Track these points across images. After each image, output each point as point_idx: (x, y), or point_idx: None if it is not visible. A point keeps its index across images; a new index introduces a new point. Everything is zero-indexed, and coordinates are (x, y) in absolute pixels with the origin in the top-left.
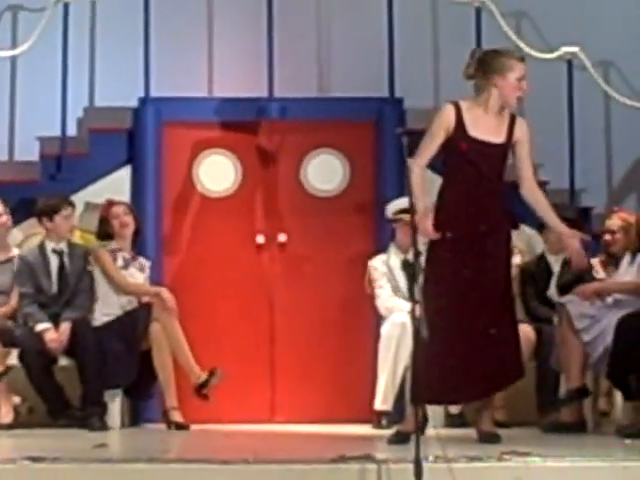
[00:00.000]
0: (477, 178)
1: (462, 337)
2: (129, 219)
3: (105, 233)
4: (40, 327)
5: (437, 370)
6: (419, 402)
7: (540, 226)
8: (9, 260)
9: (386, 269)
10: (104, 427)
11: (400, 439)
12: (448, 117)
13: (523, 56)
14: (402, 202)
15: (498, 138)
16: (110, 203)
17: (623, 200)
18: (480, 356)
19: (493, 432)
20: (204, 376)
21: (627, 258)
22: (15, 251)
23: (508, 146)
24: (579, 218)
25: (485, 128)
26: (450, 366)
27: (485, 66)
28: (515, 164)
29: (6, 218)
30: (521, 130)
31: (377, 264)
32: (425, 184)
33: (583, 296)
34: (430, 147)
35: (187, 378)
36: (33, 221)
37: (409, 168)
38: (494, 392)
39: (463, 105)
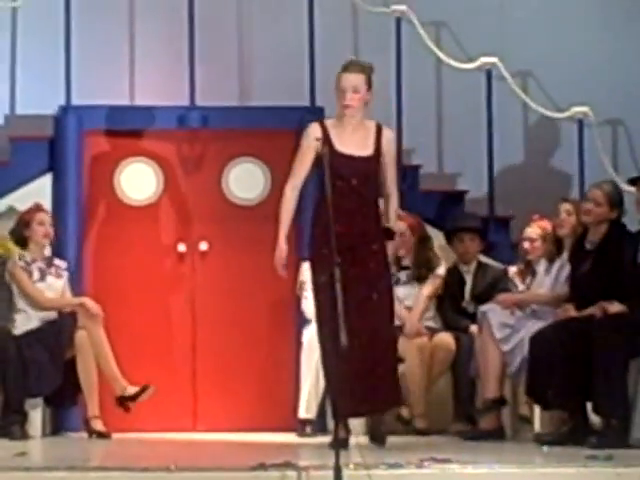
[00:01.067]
0: (349, 192)
1: (353, 353)
2: (52, 230)
3: (21, 236)
4: None
5: (342, 386)
6: (339, 417)
7: (448, 236)
8: None
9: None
10: (25, 436)
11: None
12: (315, 135)
13: (347, 66)
14: None
15: (365, 151)
16: (37, 208)
17: (538, 207)
18: (377, 366)
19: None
20: (133, 389)
21: (543, 265)
22: None
23: (377, 158)
24: (481, 228)
25: (350, 142)
26: (348, 380)
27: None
28: (381, 173)
29: None
30: (387, 141)
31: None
32: (293, 209)
33: (504, 305)
34: (302, 167)
35: (110, 387)
36: None
37: (283, 193)
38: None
39: (328, 122)
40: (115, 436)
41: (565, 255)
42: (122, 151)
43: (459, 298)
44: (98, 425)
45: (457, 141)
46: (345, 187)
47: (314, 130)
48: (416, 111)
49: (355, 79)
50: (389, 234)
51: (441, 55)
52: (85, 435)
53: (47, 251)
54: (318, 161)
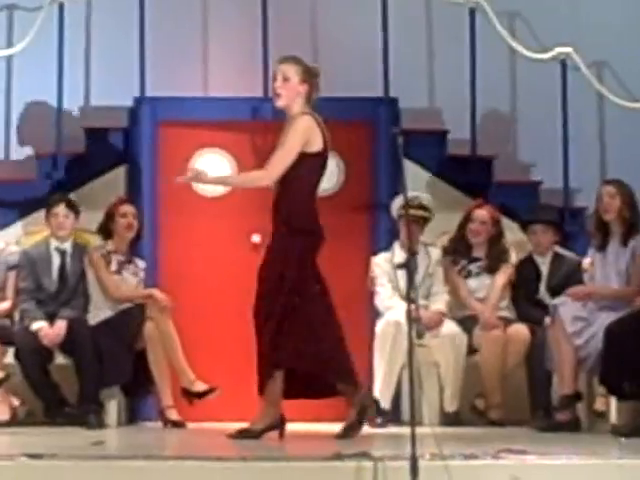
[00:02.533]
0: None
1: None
2: (135, 223)
3: (106, 229)
4: (35, 326)
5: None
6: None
7: (523, 227)
8: None
9: (388, 267)
10: (101, 425)
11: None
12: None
13: (280, 59)
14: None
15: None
16: (121, 200)
17: None
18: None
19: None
20: (201, 387)
21: (614, 245)
22: (1, 244)
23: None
24: (556, 220)
25: None
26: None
27: None
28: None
29: None
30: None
31: (380, 262)
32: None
33: (574, 298)
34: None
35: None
36: (28, 220)
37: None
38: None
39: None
40: (190, 425)
41: (615, 241)
42: (196, 142)
43: (534, 289)
44: (173, 414)
45: (531, 131)
46: (318, 181)
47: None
48: (490, 102)
49: (283, 69)
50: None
51: (515, 45)
52: (160, 425)
53: (126, 246)
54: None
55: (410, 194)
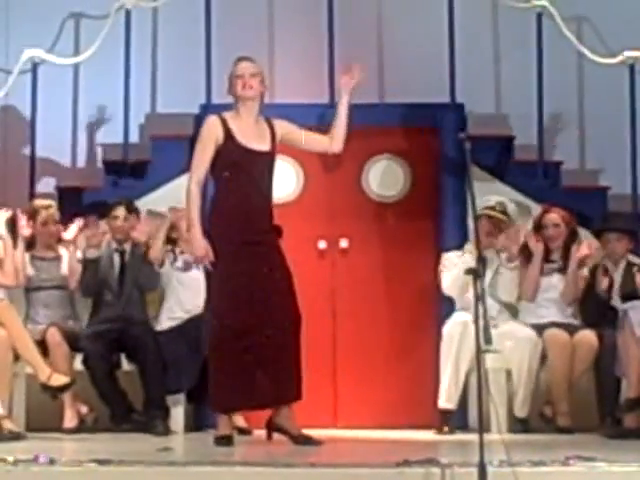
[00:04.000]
0: (248, 187)
1: (247, 346)
2: None
3: (170, 238)
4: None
5: (231, 378)
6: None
7: (597, 234)
8: (59, 257)
9: (459, 262)
10: (167, 431)
11: (225, 443)
12: (215, 127)
13: (239, 59)
14: (487, 200)
15: (264, 145)
16: (177, 210)
17: None
18: (265, 365)
19: (306, 435)
20: None
21: None
22: (63, 252)
23: (274, 153)
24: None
25: (251, 136)
26: (237, 374)
27: (228, 83)
28: (302, 145)
29: (58, 226)
30: (280, 127)
31: (450, 256)
32: (199, 205)
33: None
34: (203, 161)
35: None
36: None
37: (187, 189)
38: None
39: (227, 115)
40: (256, 432)
41: None
42: None
43: (605, 297)
44: (239, 421)
45: (599, 137)
46: (246, 181)
47: (213, 124)
48: (558, 107)
49: (252, 66)
50: (279, 231)
51: (583, 50)
52: None
53: None
54: (218, 154)
55: (497, 199)
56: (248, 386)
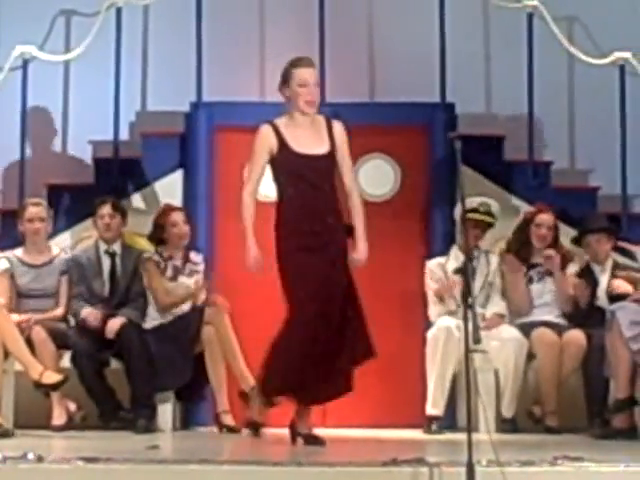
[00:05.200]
0: (310, 192)
1: (311, 340)
2: (187, 229)
3: (159, 238)
4: (84, 312)
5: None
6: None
7: (579, 240)
8: (52, 261)
9: (441, 273)
10: (149, 430)
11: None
12: (268, 138)
13: (301, 61)
14: (470, 202)
15: (322, 148)
16: (168, 209)
17: None
18: (331, 360)
19: (316, 435)
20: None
21: None
22: (55, 250)
23: (333, 154)
24: (607, 226)
25: (307, 141)
26: (305, 368)
27: (281, 79)
28: (337, 169)
29: (45, 224)
30: (339, 134)
31: (433, 267)
32: (254, 216)
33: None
34: (257, 171)
35: (236, 381)
36: (84, 224)
37: (242, 198)
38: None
39: (280, 123)
40: (245, 431)
41: None
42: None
43: (591, 299)
44: (228, 419)
45: (589, 137)
46: (307, 187)
47: (266, 133)
48: (548, 107)
49: (313, 73)
50: (349, 230)
51: (573, 50)
52: (215, 429)
53: (181, 250)
54: (274, 164)
55: (479, 200)
56: (304, 379)
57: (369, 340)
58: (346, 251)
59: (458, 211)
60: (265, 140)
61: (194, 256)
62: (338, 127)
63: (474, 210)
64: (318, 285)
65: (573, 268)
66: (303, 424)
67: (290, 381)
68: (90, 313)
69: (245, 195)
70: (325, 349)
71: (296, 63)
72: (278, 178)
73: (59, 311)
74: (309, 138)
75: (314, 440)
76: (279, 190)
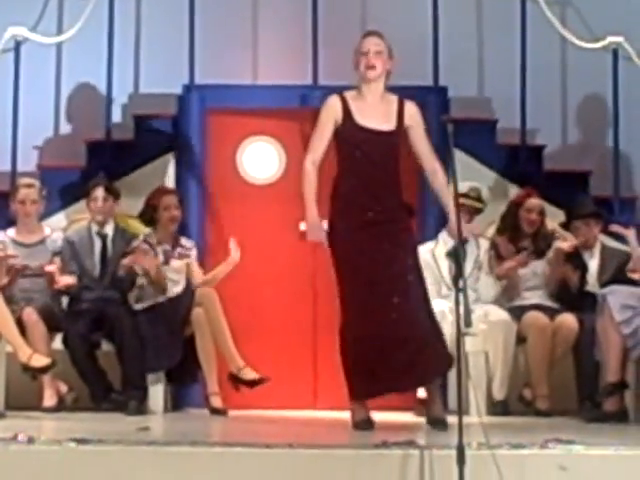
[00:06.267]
0: (370, 168)
1: (385, 327)
2: (178, 213)
3: (150, 218)
4: (62, 280)
5: (367, 361)
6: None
7: (566, 222)
8: (42, 241)
9: (430, 258)
10: (140, 412)
11: (364, 426)
12: (335, 108)
13: (367, 33)
14: (460, 186)
15: (388, 125)
16: (162, 191)
17: None
18: (405, 345)
19: (441, 418)
20: (250, 375)
21: None
22: (47, 230)
23: (399, 133)
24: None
25: (373, 116)
26: (376, 357)
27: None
28: (412, 150)
29: (37, 206)
30: (410, 115)
31: (422, 253)
32: (316, 183)
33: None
34: (321, 141)
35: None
36: (76, 207)
37: (303, 167)
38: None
39: (348, 95)
40: (233, 413)
41: None
42: (245, 130)
43: (581, 283)
44: (216, 401)
45: (581, 121)
46: (367, 161)
47: (333, 103)
48: (541, 91)
49: (377, 42)
50: (411, 211)
51: (566, 34)
52: (205, 411)
53: (171, 233)
54: (337, 135)
55: (470, 184)
56: (372, 372)
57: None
58: (408, 232)
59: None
60: (331, 110)
61: (185, 241)
62: (410, 107)
63: (464, 195)
64: (373, 267)
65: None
66: (433, 408)
67: (372, 381)
68: (65, 280)
69: (307, 163)
70: (394, 334)
71: (363, 35)
72: (339, 150)
73: (68, 279)
74: (376, 113)
75: (441, 424)
76: (338, 162)
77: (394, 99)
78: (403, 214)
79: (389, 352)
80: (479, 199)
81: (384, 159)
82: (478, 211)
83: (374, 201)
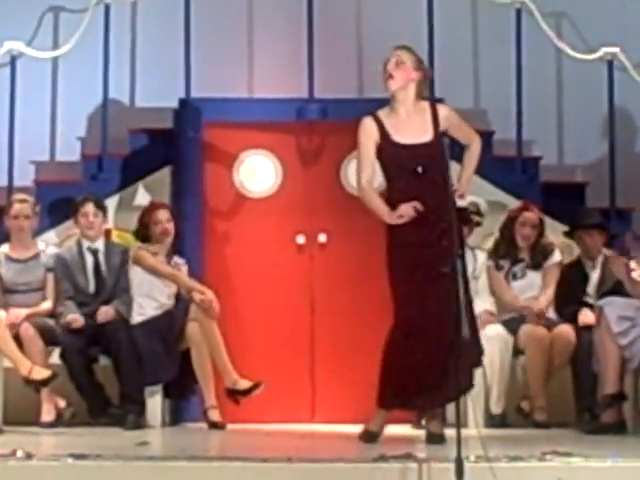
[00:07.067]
0: (416, 183)
1: (431, 343)
2: (171, 226)
3: (144, 235)
4: (69, 318)
5: (404, 374)
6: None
7: (570, 234)
8: (36, 256)
9: None
10: (138, 426)
11: (368, 438)
12: (371, 129)
13: (395, 46)
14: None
15: (425, 136)
16: (153, 206)
17: None
18: (439, 363)
19: (440, 433)
20: (244, 384)
21: None
22: (41, 245)
23: (438, 140)
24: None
25: (408, 130)
26: (413, 371)
27: None
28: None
29: (31, 221)
30: (444, 117)
31: None
32: (377, 194)
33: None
34: (368, 160)
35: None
36: (72, 222)
37: (360, 188)
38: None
39: (381, 114)
40: (231, 427)
41: None
42: (241, 143)
43: (580, 293)
44: (214, 415)
45: (578, 133)
46: (412, 178)
47: (368, 125)
48: (536, 102)
49: (399, 53)
50: (465, 216)
51: (562, 46)
52: (204, 425)
53: (166, 248)
54: (379, 155)
55: (469, 199)
56: (407, 385)
57: (480, 343)
58: (460, 243)
59: None
60: (368, 131)
61: (177, 259)
62: (443, 111)
63: (464, 209)
64: (427, 283)
65: (557, 257)
66: (432, 423)
67: (407, 393)
68: (74, 319)
69: (362, 182)
70: (437, 352)
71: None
72: (384, 170)
73: (47, 304)
74: (411, 127)
75: (439, 439)
76: (387, 182)
77: (426, 106)
78: (450, 218)
79: (428, 369)
80: (478, 212)
81: (428, 171)
82: (477, 224)
83: (427, 216)
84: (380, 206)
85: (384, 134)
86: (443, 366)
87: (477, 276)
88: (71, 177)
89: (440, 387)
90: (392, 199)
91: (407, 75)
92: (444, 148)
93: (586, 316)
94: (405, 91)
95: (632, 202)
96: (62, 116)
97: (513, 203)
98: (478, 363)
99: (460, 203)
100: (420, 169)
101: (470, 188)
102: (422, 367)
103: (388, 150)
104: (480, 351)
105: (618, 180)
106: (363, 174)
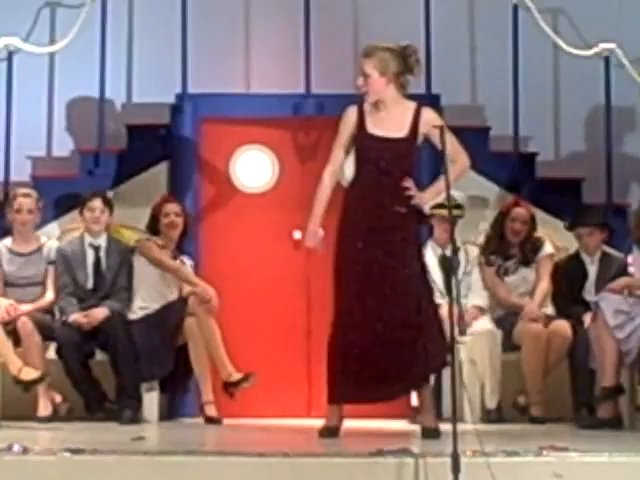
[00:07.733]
0: (376, 174)
1: (371, 335)
2: (178, 220)
3: (154, 228)
4: (72, 318)
5: (350, 367)
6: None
7: (570, 226)
8: (39, 249)
9: None
10: (135, 420)
11: (328, 434)
12: (350, 118)
13: (363, 51)
14: (439, 197)
15: (399, 132)
16: (164, 199)
17: None
18: (390, 355)
19: (435, 427)
20: (236, 376)
21: None
22: (43, 239)
23: (411, 139)
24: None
25: (385, 124)
26: (360, 364)
27: None
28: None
29: (34, 216)
30: (426, 120)
31: None
32: (327, 197)
33: (613, 291)
34: (339, 151)
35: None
36: (71, 216)
37: (320, 179)
38: (404, 394)
39: (366, 106)
40: (228, 422)
41: None
42: (238, 139)
43: (578, 288)
44: (210, 410)
45: (574, 129)
46: (374, 169)
47: (350, 113)
48: (533, 98)
49: (362, 63)
50: (422, 217)
51: (558, 42)
52: (200, 420)
53: (173, 244)
54: (354, 144)
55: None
56: (355, 378)
57: (441, 346)
58: (407, 241)
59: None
60: (346, 120)
61: (185, 259)
62: (427, 113)
63: (441, 206)
64: (368, 276)
65: (549, 249)
66: (425, 417)
67: (354, 387)
68: (76, 319)
69: (324, 174)
70: (384, 348)
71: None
72: (356, 162)
73: (48, 298)
74: (389, 121)
75: (434, 433)
76: (355, 173)
77: (411, 106)
78: (408, 221)
79: (371, 361)
80: (458, 207)
81: (393, 166)
82: (458, 217)
83: (377, 208)
84: (316, 210)
85: (361, 125)
86: (393, 357)
87: (469, 271)
88: (68, 172)
89: (394, 377)
90: (351, 192)
91: (376, 86)
92: (413, 148)
93: None
94: (381, 94)
95: (628, 198)
96: (58, 111)
97: (509, 199)
98: (443, 362)
99: (425, 208)
100: (383, 163)
101: (466, 183)
102: (365, 360)
103: (361, 141)
104: (444, 350)
105: (614, 176)
106: (330, 165)
